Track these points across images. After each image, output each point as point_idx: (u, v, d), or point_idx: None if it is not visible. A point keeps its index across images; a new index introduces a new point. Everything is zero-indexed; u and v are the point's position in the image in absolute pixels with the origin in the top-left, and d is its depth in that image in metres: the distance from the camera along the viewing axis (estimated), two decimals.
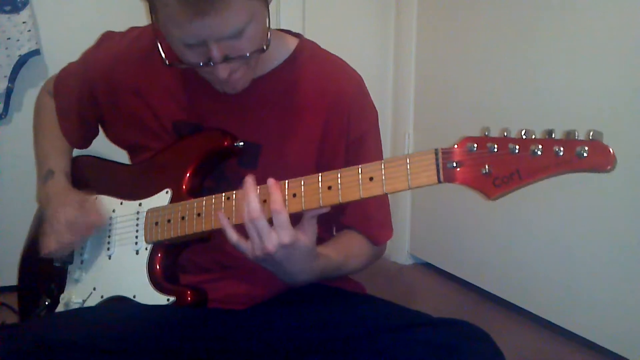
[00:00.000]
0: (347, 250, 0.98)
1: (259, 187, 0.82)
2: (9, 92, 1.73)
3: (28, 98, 1.77)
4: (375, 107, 1.04)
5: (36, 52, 1.72)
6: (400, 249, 2.20)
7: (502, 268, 1.76)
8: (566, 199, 1.51)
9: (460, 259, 1.96)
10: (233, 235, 0.82)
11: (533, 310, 1.66)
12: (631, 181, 1.34)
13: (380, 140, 1.05)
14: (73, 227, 0.95)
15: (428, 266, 2.15)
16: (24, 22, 1.69)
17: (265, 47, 0.84)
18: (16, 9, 1.68)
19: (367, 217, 1.01)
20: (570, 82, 1.49)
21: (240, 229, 0.83)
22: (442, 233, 2.03)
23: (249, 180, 0.82)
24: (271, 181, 0.81)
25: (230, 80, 0.86)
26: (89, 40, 1.11)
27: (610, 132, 1.47)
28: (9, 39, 1.69)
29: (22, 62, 1.71)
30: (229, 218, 0.84)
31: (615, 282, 1.41)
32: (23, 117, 1.78)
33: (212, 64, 0.81)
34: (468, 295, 1.89)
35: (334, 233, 1.05)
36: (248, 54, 0.82)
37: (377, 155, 1.03)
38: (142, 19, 1.07)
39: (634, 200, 1.35)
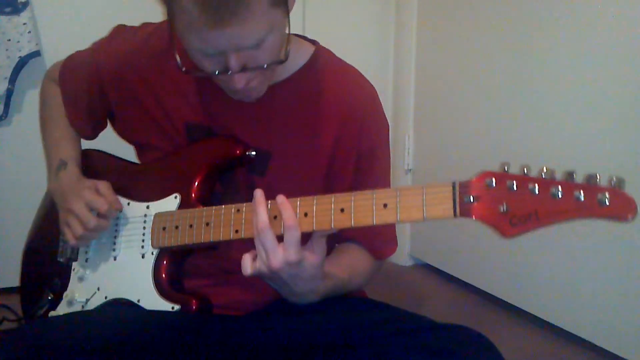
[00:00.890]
0: (351, 269, 0.96)
1: (269, 201, 0.81)
2: (9, 94, 1.73)
3: (28, 99, 1.77)
4: (387, 121, 1.03)
5: (36, 54, 1.72)
6: (401, 250, 2.20)
7: (502, 269, 1.76)
8: None
9: (461, 260, 1.96)
10: (248, 269, 0.81)
11: (533, 312, 1.66)
12: (632, 180, 1.34)
13: (390, 154, 1.04)
14: (95, 209, 0.94)
15: (428, 267, 2.15)
16: (24, 24, 1.69)
17: (284, 58, 0.82)
18: (16, 11, 1.68)
19: (372, 231, 0.97)
20: (571, 81, 1.49)
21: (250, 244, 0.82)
22: (442, 234, 2.03)
23: (259, 193, 0.81)
24: (281, 197, 0.79)
25: (246, 89, 0.84)
26: (89, 41, 1.10)
27: (611, 130, 1.46)
28: (9, 40, 1.69)
29: (22, 63, 1.71)
30: (237, 231, 0.84)
31: (615, 283, 1.41)
32: (23, 118, 1.78)
33: (229, 73, 0.79)
34: (468, 296, 1.89)
35: (336, 244, 1.04)
36: (266, 66, 0.80)
37: (386, 170, 1.03)
38: (143, 20, 1.06)
39: (635, 200, 1.35)
